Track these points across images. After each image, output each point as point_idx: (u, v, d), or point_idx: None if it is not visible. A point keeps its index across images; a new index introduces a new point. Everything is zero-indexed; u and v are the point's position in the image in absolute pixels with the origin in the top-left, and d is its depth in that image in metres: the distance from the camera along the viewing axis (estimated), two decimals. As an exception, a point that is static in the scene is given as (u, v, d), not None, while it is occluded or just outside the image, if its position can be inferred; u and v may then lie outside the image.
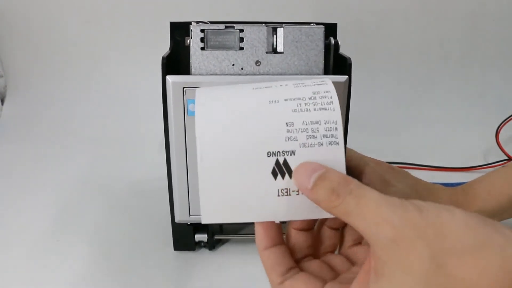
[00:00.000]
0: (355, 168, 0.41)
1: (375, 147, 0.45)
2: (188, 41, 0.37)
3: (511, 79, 0.75)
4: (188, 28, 0.34)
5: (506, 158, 0.54)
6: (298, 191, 0.25)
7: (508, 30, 0.73)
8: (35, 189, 0.52)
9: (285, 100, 0.26)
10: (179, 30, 0.37)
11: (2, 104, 0.74)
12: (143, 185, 0.52)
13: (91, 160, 0.59)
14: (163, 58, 0.33)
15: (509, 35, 0.74)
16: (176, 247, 0.40)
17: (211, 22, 0.34)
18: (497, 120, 0.56)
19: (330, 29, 0.37)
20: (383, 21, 0.73)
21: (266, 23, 0.34)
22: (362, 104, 0.66)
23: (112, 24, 0.72)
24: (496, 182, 0.39)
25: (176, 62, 0.36)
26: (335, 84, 0.33)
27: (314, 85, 0.27)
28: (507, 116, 0.56)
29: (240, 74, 0.33)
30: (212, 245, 0.40)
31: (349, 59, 0.34)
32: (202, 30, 0.33)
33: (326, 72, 0.35)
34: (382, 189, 0.38)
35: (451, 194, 0.40)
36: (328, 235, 0.28)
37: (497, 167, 0.55)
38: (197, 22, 0.34)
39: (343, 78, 0.34)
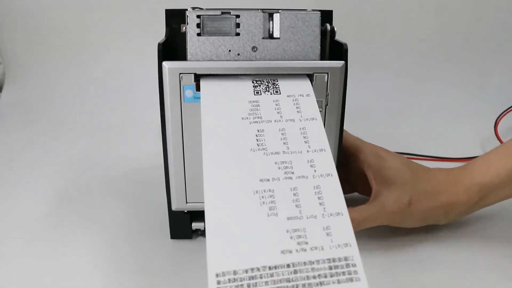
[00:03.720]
0: (352, 146, 0.41)
1: (373, 136, 0.45)
2: (184, 28, 0.37)
3: (511, 70, 0.75)
4: (184, 15, 0.34)
5: (504, 148, 0.54)
6: None
7: (509, 21, 0.73)
8: (32, 177, 0.52)
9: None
10: (175, 17, 0.37)
11: (1, 91, 0.74)
12: (141, 173, 0.52)
13: (89, 148, 0.59)
14: (159, 45, 0.33)
15: (510, 26, 0.73)
16: (173, 236, 0.40)
17: (207, 8, 0.34)
18: (497, 112, 0.56)
19: (326, 16, 0.37)
20: (382, 11, 0.72)
21: (262, 9, 0.34)
22: (361, 94, 0.66)
23: (111, 11, 0.72)
24: (495, 156, 0.38)
25: (173, 49, 0.36)
26: (332, 69, 0.33)
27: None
28: (507, 107, 0.56)
29: (236, 60, 0.33)
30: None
31: (345, 45, 0.34)
32: (198, 16, 0.33)
33: (323, 58, 0.35)
34: (377, 164, 0.39)
35: (448, 172, 0.39)
36: None
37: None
38: (193, 8, 0.34)
39: (339, 63, 0.34)
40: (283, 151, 0.29)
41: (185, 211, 0.38)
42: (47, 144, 0.60)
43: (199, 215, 0.39)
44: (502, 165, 0.37)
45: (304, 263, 0.25)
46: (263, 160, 0.29)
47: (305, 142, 0.30)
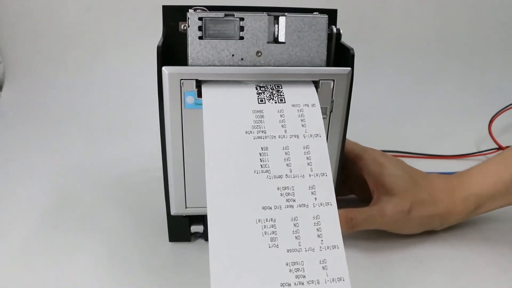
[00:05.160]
0: (351, 152, 0.41)
1: (371, 135, 0.45)
2: (183, 26, 0.35)
3: (511, 70, 0.76)
4: (182, 12, 0.32)
5: (497, 147, 0.55)
6: None
7: (509, 21, 0.73)
8: (32, 175, 0.51)
9: None
10: (173, 15, 0.35)
11: (1, 90, 0.73)
12: (140, 174, 0.51)
13: (88, 148, 0.58)
14: (158, 47, 0.31)
15: (509, 26, 0.73)
16: (172, 239, 0.39)
17: (209, 9, 0.32)
18: (494, 111, 0.57)
19: (330, 16, 0.35)
20: (383, 10, 0.71)
21: (267, 10, 0.32)
22: (360, 93, 0.66)
23: (112, 10, 0.71)
24: (492, 166, 0.38)
25: (170, 48, 0.34)
26: (338, 76, 0.32)
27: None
28: (503, 106, 0.57)
29: (240, 65, 0.32)
30: (208, 235, 0.40)
31: (352, 49, 0.33)
32: (200, 18, 0.31)
33: (328, 63, 0.34)
34: (377, 171, 0.39)
35: (446, 180, 0.40)
36: None
37: (489, 155, 0.56)
38: (195, 9, 0.32)
39: (345, 70, 0.33)
40: (286, 175, 0.29)
41: (184, 215, 0.38)
42: (47, 144, 0.59)
43: (198, 218, 0.39)
44: (499, 175, 0.37)
45: None
46: (266, 184, 0.29)
47: (308, 164, 0.30)
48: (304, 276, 0.27)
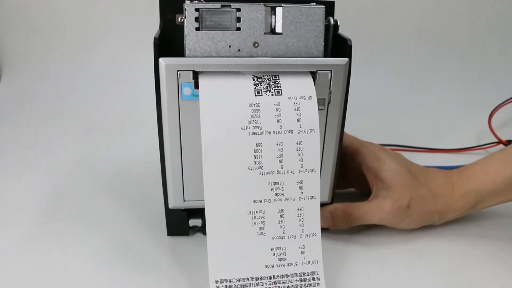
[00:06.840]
0: (349, 147, 0.41)
1: (370, 129, 0.45)
2: (180, 19, 0.35)
3: (510, 64, 0.75)
4: (179, 4, 0.32)
5: (497, 141, 0.55)
6: None
7: (510, 14, 0.73)
8: (29, 169, 0.51)
9: None
10: (170, 7, 0.35)
11: None
12: (137, 168, 0.51)
13: (85, 142, 0.58)
14: (155, 39, 0.31)
15: (510, 20, 0.73)
16: (170, 233, 0.39)
17: (206, 0, 0.32)
18: (494, 105, 0.57)
19: (328, 8, 0.35)
20: (381, 3, 0.71)
21: (264, 1, 0.32)
22: (359, 87, 0.66)
23: (108, 3, 0.71)
24: (493, 162, 0.38)
25: (167, 42, 0.34)
26: (335, 67, 0.32)
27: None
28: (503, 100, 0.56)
29: (237, 56, 0.32)
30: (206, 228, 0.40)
31: (349, 40, 0.33)
32: (196, 9, 0.31)
33: (325, 54, 0.34)
34: (376, 166, 0.39)
35: (446, 175, 0.40)
36: None
37: (489, 149, 0.56)
38: (191, 0, 0.32)
39: (343, 61, 0.32)
40: (277, 171, 0.31)
41: (182, 209, 0.38)
42: (44, 137, 0.59)
43: (196, 212, 0.39)
44: (500, 172, 0.37)
45: (282, 276, 0.31)
46: (258, 180, 0.31)
47: (299, 160, 0.31)
48: (285, 259, 0.31)
